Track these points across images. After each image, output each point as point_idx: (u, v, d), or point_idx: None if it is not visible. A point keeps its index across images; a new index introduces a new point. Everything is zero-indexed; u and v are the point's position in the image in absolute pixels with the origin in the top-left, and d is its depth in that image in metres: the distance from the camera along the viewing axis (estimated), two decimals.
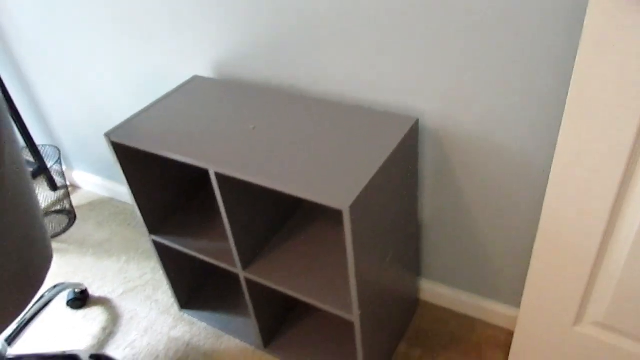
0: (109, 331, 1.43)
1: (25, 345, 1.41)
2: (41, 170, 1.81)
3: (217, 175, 0.97)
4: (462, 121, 1.03)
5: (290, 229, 1.21)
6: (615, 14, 0.68)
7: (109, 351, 1.37)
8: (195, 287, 1.48)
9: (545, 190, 1.02)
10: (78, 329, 1.44)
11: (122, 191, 1.88)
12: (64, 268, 1.65)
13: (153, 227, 1.27)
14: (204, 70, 1.30)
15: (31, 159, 1.79)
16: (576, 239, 0.91)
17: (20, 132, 1.75)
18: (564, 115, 0.80)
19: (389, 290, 1.12)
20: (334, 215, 1.24)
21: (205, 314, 1.42)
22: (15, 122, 1.72)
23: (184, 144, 1.03)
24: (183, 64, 1.33)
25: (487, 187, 1.10)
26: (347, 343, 1.29)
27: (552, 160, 0.98)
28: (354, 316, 1.00)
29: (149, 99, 1.49)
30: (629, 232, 0.87)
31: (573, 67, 0.85)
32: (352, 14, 1.00)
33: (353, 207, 0.83)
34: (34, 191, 1.00)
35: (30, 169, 1.79)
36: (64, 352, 1.27)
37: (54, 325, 1.46)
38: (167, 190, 1.27)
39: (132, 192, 1.18)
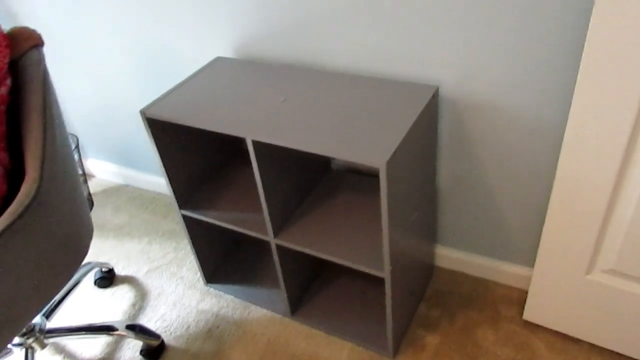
0: (139, 306, 1.48)
1: (60, 322, 1.46)
2: None
3: (254, 143, 1.03)
4: (477, 89, 1.10)
5: (316, 198, 1.28)
6: None
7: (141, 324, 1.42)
8: (220, 261, 1.54)
9: (558, 152, 1.10)
10: (108, 306, 1.49)
11: (137, 177, 1.92)
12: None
13: (182, 202, 1.32)
14: (226, 51, 1.36)
15: None
16: (588, 192, 1.00)
17: None
18: (579, 75, 0.88)
19: (411, 253, 1.20)
20: (357, 183, 1.31)
21: (231, 287, 1.48)
22: None
23: (219, 117, 1.09)
24: (205, 46, 1.39)
25: (501, 152, 1.17)
26: (372, 307, 1.36)
27: (565, 122, 1.06)
28: (385, 272, 1.07)
29: (169, 84, 1.54)
30: (636, 184, 0.95)
31: (586, 32, 0.93)
32: None
33: (389, 164, 0.90)
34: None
35: None
36: (101, 323, 1.33)
37: (85, 303, 1.51)
38: (194, 166, 1.33)
39: (164, 167, 1.24)
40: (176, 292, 1.51)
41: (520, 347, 1.24)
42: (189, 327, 1.40)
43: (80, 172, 1.87)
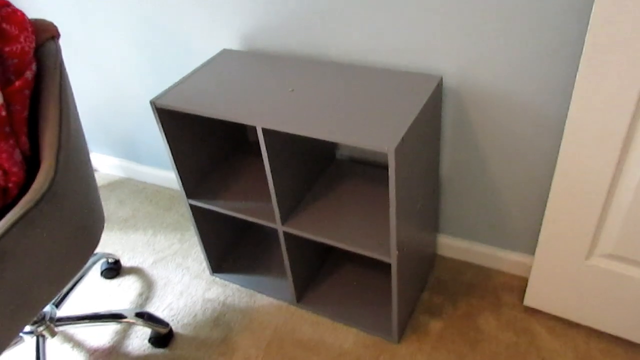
0: (145, 296, 1.50)
1: (68, 312, 1.48)
2: None
3: (264, 131, 1.06)
4: (480, 79, 1.13)
5: (322, 187, 1.31)
6: None
7: None
8: (225, 251, 1.56)
9: (559, 140, 1.14)
10: (115, 296, 1.51)
11: (140, 171, 1.94)
12: None
13: (190, 192, 1.35)
14: (232, 43, 1.39)
15: None
16: (589, 178, 1.03)
17: None
18: (580, 64, 0.91)
19: (415, 240, 1.23)
20: (362, 172, 1.34)
21: (237, 276, 1.50)
22: None
23: (229, 106, 1.12)
24: (210, 39, 1.41)
25: (503, 141, 1.21)
26: (376, 294, 1.39)
27: (566, 110, 1.09)
28: (392, 257, 1.10)
29: (175, 77, 1.56)
30: (636, 170, 0.98)
31: (588, 22, 0.97)
32: None
33: (397, 150, 0.93)
34: (89, 158, 1.08)
35: None
36: (110, 311, 1.35)
37: (92, 293, 1.53)
38: (202, 156, 1.35)
39: (173, 157, 1.26)
40: (182, 282, 1.53)
41: (521, 332, 1.27)
42: (195, 315, 1.42)
43: None
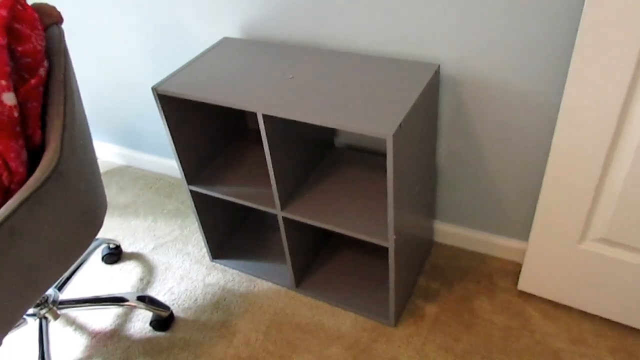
0: (147, 281, 1.53)
1: (70, 296, 1.50)
2: None
3: (265, 117, 1.08)
4: (476, 67, 1.15)
5: (321, 173, 1.33)
6: None
7: None
8: (225, 237, 1.58)
9: (553, 127, 1.16)
10: (116, 280, 1.54)
11: (140, 158, 1.96)
12: None
13: (190, 178, 1.37)
14: (233, 31, 1.40)
15: None
16: (582, 164, 1.05)
17: None
18: (574, 52, 0.93)
19: (412, 226, 1.25)
20: (360, 160, 1.36)
21: (236, 262, 1.53)
22: None
23: (230, 92, 1.13)
24: (211, 27, 1.42)
25: (498, 128, 1.23)
26: (374, 279, 1.42)
27: (560, 97, 1.11)
28: (390, 242, 1.12)
29: (176, 65, 1.57)
30: (627, 156, 1.01)
31: (582, 10, 0.98)
32: None
33: (395, 136, 0.95)
34: (92, 142, 1.10)
35: None
36: (111, 294, 1.37)
37: (94, 278, 1.55)
38: (202, 143, 1.37)
39: (174, 143, 1.28)
40: (183, 267, 1.55)
41: (515, 315, 1.30)
42: (196, 299, 1.45)
43: None
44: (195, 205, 1.41)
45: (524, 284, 1.33)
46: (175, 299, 1.46)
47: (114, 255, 1.59)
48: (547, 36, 1.04)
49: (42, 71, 0.94)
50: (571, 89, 0.98)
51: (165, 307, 1.39)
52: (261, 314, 1.38)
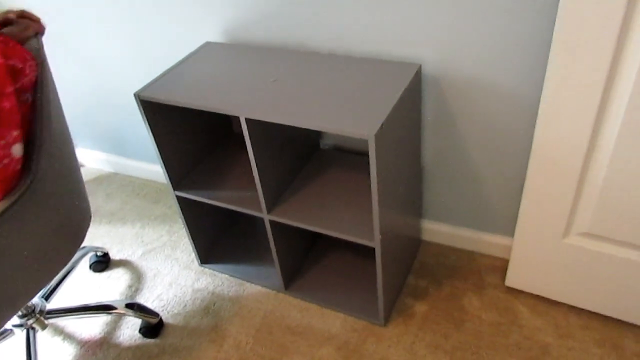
0: (135, 288, 1.52)
1: (58, 305, 1.49)
2: None
3: (248, 121, 1.08)
4: (458, 66, 1.16)
5: (306, 175, 1.33)
6: None
7: None
8: (213, 242, 1.58)
9: (534, 123, 1.17)
10: (105, 288, 1.53)
11: (126, 164, 1.95)
12: None
13: (176, 183, 1.36)
14: (215, 36, 1.40)
15: None
16: (563, 159, 1.06)
17: None
18: (551, 49, 0.94)
19: (399, 225, 1.26)
20: (345, 161, 1.36)
21: (225, 266, 1.52)
22: None
23: (213, 97, 1.13)
24: (193, 32, 1.42)
25: (481, 127, 1.24)
26: (362, 280, 1.42)
27: (540, 94, 1.12)
28: (375, 241, 1.13)
29: (159, 70, 1.57)
30: (607, 151, 1.02)
31: (557, 10, 0.99)
32: None
33: (377, 136, 0.96)
34: (75, 156, 1.09)
35: None
36: (100, 302, 1.36)
37: (82, 286, 1.54)
38: (187, 148, 1.37)
39: (158, 149, 1.27)
40: (171, 273, 1.55)
41: (504, 311, 1.31)
42: (185, 305, 1.44)
43: None
44: (182, 211, 1.41)
45: (511, 280, 1.34)
46: (164, 305, 1.45)
47: (102, 263, 1.58)
48: (526, 34, 1.05)
49: (29, 97, 0.93)
50: (550, 85, 0.99)
51: (154, 313, 1.38)
52: (251, 317, 1.38)
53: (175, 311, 1.43)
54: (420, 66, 1.17)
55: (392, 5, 1.13)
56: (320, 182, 1.31)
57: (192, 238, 1.48)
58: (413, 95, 1.16)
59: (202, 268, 1.55)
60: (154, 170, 1.90)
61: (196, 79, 1.21)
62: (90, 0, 1.50)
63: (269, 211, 1.24)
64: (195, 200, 1.43)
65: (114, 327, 1.41)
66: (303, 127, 1.02)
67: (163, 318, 1.41)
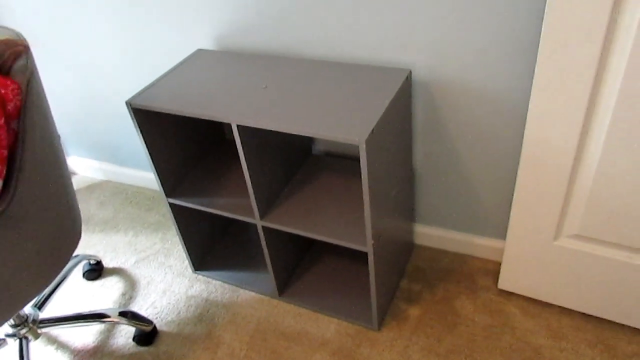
0: (129, 296, 1.51)
1: (51, 314, 1.48)
2: None
3: (239, 127, 1.08)
4: (448, 71, 1.17)
5: (299, 181, 1.34)
6: None
7: None
8: (207, 249, 1.58)
9: (524, 126, 1.18)
10: (98, 296, 1.52)
11: (119, 172, 1.95)
12: None
13: (169, 190, 1.36)
14: (207, 43, 1.40)
15: None
16: (552, 162, 1.08)
17: None
18: (539, 50, 0.96)
19: (392, 229, 1.26)
20: (337, 166, 1.37)
21: (219, 273, 1.52)
22: None
23: (204, 104, 1.14)
24: (185, 39, 1.43)
25: (472, 131, 1.25)
26: (356, 285, 1.42)
27: (529, 98, 1.13)
28: (368, 246, 1.13)
29: (151, 78, 1.57)
30: (595, 153, 1.03)
31: (544, 10, 1.01)
32: None
33: (368, 141, 0.96)
34: (65, 171, 1.07)
35: None
36: (93, 311, 1.36)
37: (75, 295, 1.54)
38: (179, 155, 1.37)
39: (151, 157, 1.27)
40: (165, 280, 1.55)
41: (497, 314, 1.32)
42: (179, 312, 1.44)
43: None
44: (175, 218, 1.41)
45: (504, 283, 1.35)
46: (158, 313, 1.45)
47: (95, 271, 1.58)
48: (514, 38, 1.06)
49: (14, 125, 0.92)
50: (538, 88, 1.00)
51: (148, 321, 1.38)
52: (245, 323, 1.38)
53: (169, 319, 1.43)
54: (411, 72, 1.18)
55: (382, 12, 1.14)
56: (312, 188, 1.31)
57: (185, 245, 1.48)
58: (403, 101, 1.17)
59: (196, 275, 1.55)
60: (147, 177, 1.90)
61: (188, 86, 1.22)
62: (82, 9, 1.50)
63: (261, 217, 1.25)
64: (188, 207, 1.43)
65: (107, 335, 1.40)
66: (294, 133, 1.02)
67: (157, 326, 1.41)
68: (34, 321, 1.30)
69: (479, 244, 1.45)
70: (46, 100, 1.03)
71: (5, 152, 0.89)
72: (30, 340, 1.29)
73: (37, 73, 0.99)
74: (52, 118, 1.05)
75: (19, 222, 0.91)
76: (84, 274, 1.58)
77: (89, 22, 1.53)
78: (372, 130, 0.98)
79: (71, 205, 1.09)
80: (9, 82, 0.91)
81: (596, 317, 1.28)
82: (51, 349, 1.39)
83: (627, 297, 1.19)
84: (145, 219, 1.79)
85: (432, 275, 1.45)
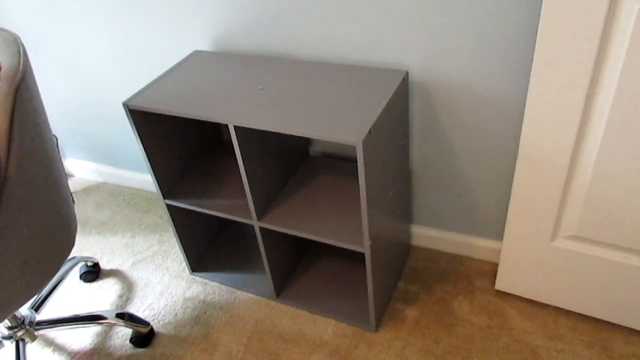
0: (126, 298, 1.51)
1: (48, 316, 1.48)
2: None
3: (236, 128, 1.08)
4: (444, 72, 1.17)
5: (296, 182, 1.34)
6: None
7: None
8: (204, 250, 1.58)
9: (520, 127, 1.18)
10: (95, 299, 1.52)
11: (116, 174, 1.95)
12: None
13: (166, 192, 1.36)
14: (203, 44, 1.41)
15: None
16: (549, 163, 1.08)
17: None
18: (535, 53, 0.96)
19: (389, 230, 1.26)
20: (335, 167, 1.37)
21: (216, 274, 1.52)
22: None
23: (201, 105, 1.14)
24: (182, 41, 1.43)
25: (469, 131, 1.25)
26: (353, 286, 1.42)
27: (525, 97, 1.14)
28: (365, 247, 1.13)
29: (148, 79, 1.57)
30: (591, 153, 1.03)
31: (540, 9, 1.01)
32: None
33: (365, 142, 0.97)
34: (60, 171, 1.05)
35: None
36: (90, 312, 1.36)
37: (72, 297, 1.53)
38: (176, 157, 1.37)
39: (148, 158, 1.27)
40: (162, 282, 1.54)
41: (494, 315, 1.32)
42: (176, 314, 1.44)
43: None
44: (172, 219, 1.41)
45: (501, 284, 1.35)
46: (155, 315, 1.44)
47: (92, 273, 1.58)
48: (510, 39, 1.07)
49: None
50: (534, 89, 1.00)
51: (145, 323, 1.37)
52: (242, 325, 1.38)
53: (166, 320, 1.42)
54: (407, 72, 1.18)
55: (378, 13, 1.15)
56: (310, 189, 1.31)
57: (182, 247, 1.48)
58: (400, 101, 1.17)
59: (193, 277, 1.55)
60: (144, 179, 1.90)
61: (185, 87, 1.22)
62: (79, 10, 1.50)
63: (259, 218, 1.25)
64: (185, 209, 1.43)
65: (104, 337, 1.40)
66: (291, 134, 1.02)
67: (154, 327, 1.40)
68: (31, 323, 1.29)
69: (476, 245, 1.46)
70: (41, 104, 1.01)
71: None
72: (27, 343, 1.28)
73: (31, 77, 0.97)
74: (46, 122, 1.03)
75: (2, 231, 0.90)
76: (81, 276, 1.58)
77: (86, 25, 1.53)
78: (369, 131, 0.98)
79: (65, 211, 1.08)
80: None
81: (593, 318, 1.28)
82: (48, 351, 1.39)
83: (624, 298, 1.19)
84: (142, 220, 1.79)
85: (430, 276, 1.45)
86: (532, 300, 1.34)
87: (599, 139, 1.01)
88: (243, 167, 1.14)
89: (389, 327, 1.33)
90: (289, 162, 1.34)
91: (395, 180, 1.24)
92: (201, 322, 1.40)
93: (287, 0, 1.22)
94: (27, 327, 1.28)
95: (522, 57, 1.08)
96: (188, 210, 1.45)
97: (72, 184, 2.02)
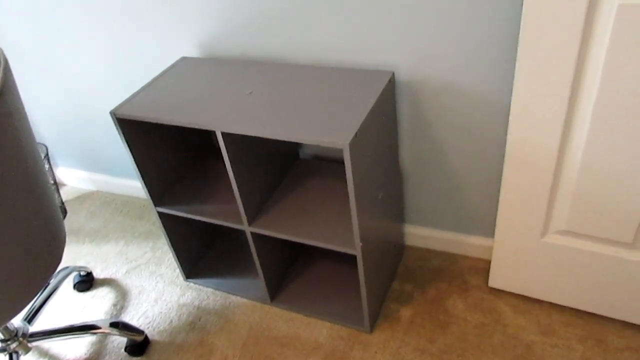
0: (120, 306, 1.51)
1: (42, 327, 1.47)
2: None
3: (224, 134, 1.08)
4: (430, 72, 1.18)
5: (287, 186, 1.34)
6: None
7: None
8: (198, 256, 1.58)
9: (507, 124, 1.19)
10: (89, 308, 1.51)
11: (108, 182, 1.94)
12: (65, 256, 1.71)
13: (157, 199, 1.36)
14: (191, 50, 1.40)
15: None
16: (537, 159, 1.08)
17: None
18: (519, 48, 0.96)
19: (381, 231, 1.26)
20: (325, 169, 1.37)
21: (210, 280, 1.52)
22: None
23: (189, 112, 1.13)
24: (169, 47, 1.42)
25: (457, 130, 1.25)
26: (347, 288, 1.43)
27: (511, 95, 1.14)
28: (356, 249, 1.13)
29: (136, 86, 1.57)
30: (578, 148, 1.04)
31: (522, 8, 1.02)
32: None
33: (351, 145, 0.97)
34: (45, 180, 1.04)
35: None
36: (84, 322, 1.35)
37: (66, 307, 1.53)
38: (166, 164, 1.37)
39: (138, 167, 1.27)
40: (156, 289, 1.54)
41: (488, 312, 1.32)
42: (171, 321, 1.44)
43: (51, 181, 1.88)
44: (164, 227, 1.40)
45: (494, 281, 1.36)
46: (150, 322, 1.44)
47: (86, 282, 1.57)
48: (495, 37, 1.07)
49: None
50: (519, 88, 1.01)
51: (139, 331, 1.37)
52: (237, 330, 1.38)
53: (161, 327, 1.42)
54: (393, 73, 1.18)
55: (363, 15, 1.15)
56: (300, 192, 1.31)
57: (176, 253, 1.47)
58: (387, 102, 1.17)
59: (187, 283, 1.54)
60: (136, 186, 1.89)
61: (172, 94, 1.21)
62: (65, 18, 1.50)
63: (250, 223, 1.24)
64: (177, 216, 1.43)
65: (99, 347, 1.40)
66: (278, 138, 1.02)
67: (149, 335, 1.40)
68: (24, 335, 1.29)
69: (468, 243, 1.46)
70: (23, 118, 0.96)
71: None
72: (20, 355, 1.28)
73: (11, 91, 0.93)
74: (30, 135, 0.98)
75: None
76: (74, 286, 1.57)
77: (74, 33, 1.52)
78: (356, 133, 0.98)
79: (52, 224, 1.05)
80: None
81: (586, 312, 1.29)
82: None
83: (616, 291, 1.20)
84: (135, 228, 1.79)
85: (423, 276, 1.45)
86: (525, 297, 1.35)
87: (584, 134, 1.01)
88: (232, 173, 1.14)
89: (384, 328, 1.33)
90: (279, 165, 1.34)
91: (385, 181, 1.24)
92: (196, 328, 1.40)
93: (272, 5, 1.22)
94: (21, 339, 1.27)
95: (508, 56, 1.08)
96: (180, 217, 1.45)
97: (65, 193, 2.01)
